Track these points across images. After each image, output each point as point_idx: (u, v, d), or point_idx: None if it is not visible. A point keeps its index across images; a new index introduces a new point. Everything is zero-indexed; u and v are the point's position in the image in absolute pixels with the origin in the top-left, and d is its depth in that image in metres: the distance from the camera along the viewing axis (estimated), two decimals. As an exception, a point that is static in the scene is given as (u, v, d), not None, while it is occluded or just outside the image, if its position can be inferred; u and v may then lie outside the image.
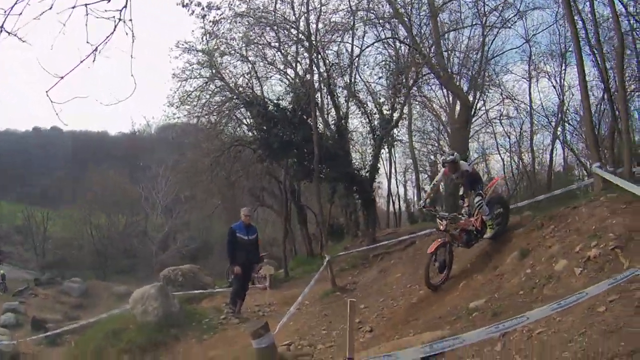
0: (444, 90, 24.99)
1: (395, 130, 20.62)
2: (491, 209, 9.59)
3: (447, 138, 28.76)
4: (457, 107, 21.93)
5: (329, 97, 18.81)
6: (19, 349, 18.46)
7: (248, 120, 20.38)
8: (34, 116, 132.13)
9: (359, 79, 20.34)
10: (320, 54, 18.07)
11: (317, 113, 17.04)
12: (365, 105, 19.75)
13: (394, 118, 18.80)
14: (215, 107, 19.70)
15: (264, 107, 17.88)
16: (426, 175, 31.73)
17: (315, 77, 18.07)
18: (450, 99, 25.96)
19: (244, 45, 18.28)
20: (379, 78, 19.63)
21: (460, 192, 10.28)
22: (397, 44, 19.32)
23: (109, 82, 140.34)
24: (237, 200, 24.24)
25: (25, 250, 51.08)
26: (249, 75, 19.40)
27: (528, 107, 26.16)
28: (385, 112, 19.01)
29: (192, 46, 18.77)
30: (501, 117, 26.81)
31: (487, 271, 8.59)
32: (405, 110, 22.20)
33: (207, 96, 19.49)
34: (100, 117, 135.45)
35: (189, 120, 21.05)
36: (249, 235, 11.13)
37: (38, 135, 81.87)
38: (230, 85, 19.09)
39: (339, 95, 19.26)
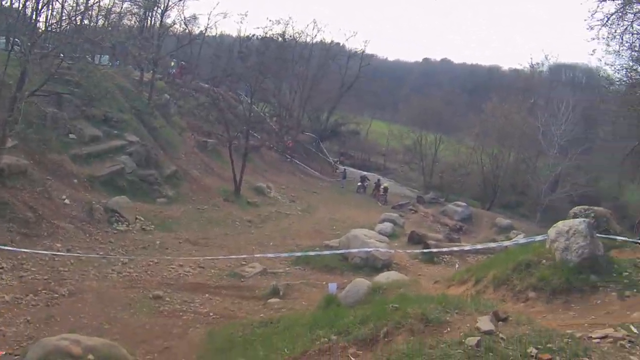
0: None
1: None
2: None
3: None
4: None
5: None
6: (393, 258, 19.29)
7: None
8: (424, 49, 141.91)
9: None
10: None
11: None
12: None
13: None
14: (636, 35, 18.44)
15: None
16: None
17: None
18: None
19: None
20: None
21: None
22: None
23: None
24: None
25: (411, 169, 54.02)
26: None
27: None
28: None
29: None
30: None
31: None
32: None
33: (627, 22, 17.94)
34: (493, 52, 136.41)
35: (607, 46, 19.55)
36: None
37: (428, 66, 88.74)
38: None
39: None
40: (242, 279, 16.39)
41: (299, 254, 18.96)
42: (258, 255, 18.10)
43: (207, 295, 14.29)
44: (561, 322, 7.61)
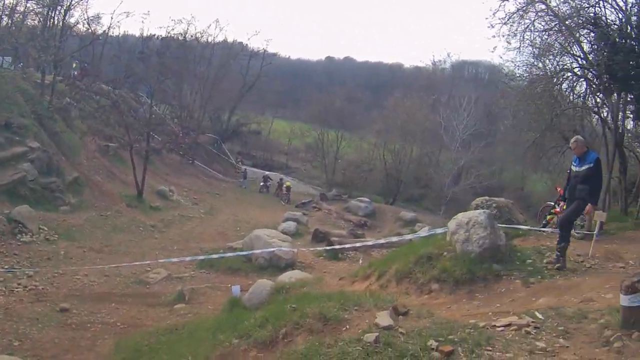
0: None
1: None
2: None
3: None
4: None
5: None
6: (297, 257, 19.60)
7: (584, 45, 18.46)
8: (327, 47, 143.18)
9: None
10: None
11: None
12: None
13: None
14: (537, 33, 18.61)
15: (606, 30, 16.11)
16: None
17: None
18: None
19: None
20: None
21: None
22: None
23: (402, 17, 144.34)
24: (545, 143, 21.73)
25: (313, 167, 54.83)
26: None
27: None
28: None
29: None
30: None
31: None
32: None
33: (528, 21, 18.45)
34: (396, 50, 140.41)
35: (508, 44, 20.07)
36: (578, 167, 9.80)
37: (331, 64, 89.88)
38: (555, 9, 17.58)
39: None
40: (148, 286, 16.51)
41: (202, 257, 19.09)
42: (162, 261, 18.16)
43: (113, 304, 14.35)
44: (465, 312, 7.78)
